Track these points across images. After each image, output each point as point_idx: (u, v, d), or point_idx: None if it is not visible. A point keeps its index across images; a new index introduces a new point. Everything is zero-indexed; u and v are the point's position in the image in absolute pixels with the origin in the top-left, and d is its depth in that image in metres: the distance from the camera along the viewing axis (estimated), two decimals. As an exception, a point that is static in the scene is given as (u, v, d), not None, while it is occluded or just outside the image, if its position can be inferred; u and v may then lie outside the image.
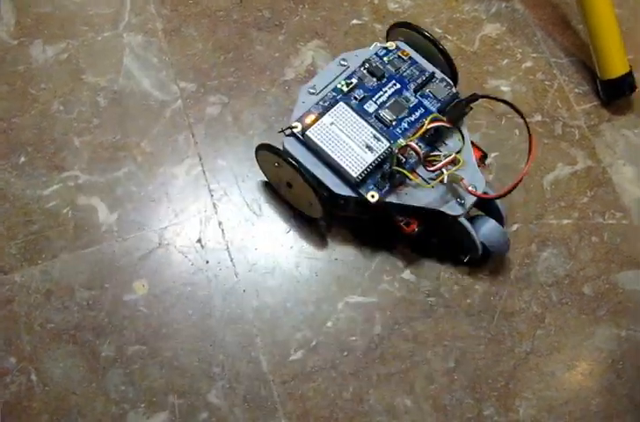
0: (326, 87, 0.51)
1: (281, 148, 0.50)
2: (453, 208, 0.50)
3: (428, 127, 0.49)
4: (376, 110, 0.51)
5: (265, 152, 0.51)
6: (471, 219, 0.53)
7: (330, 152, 0.48)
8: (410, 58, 0.53)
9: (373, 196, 0.49)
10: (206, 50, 0.63)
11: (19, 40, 0.62)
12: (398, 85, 0.52)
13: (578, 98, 0.63)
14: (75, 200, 0.57)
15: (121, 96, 0.61)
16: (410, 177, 0.49)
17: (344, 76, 0.52)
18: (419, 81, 0.52)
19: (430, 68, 0.53)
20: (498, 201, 0.53)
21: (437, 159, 0.50)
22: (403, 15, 0.65)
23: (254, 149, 0.53)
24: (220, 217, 0.57)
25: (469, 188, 0.49)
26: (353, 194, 0.49)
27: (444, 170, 0.49)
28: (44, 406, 0.52)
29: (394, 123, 0.51)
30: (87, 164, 0.58)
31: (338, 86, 0.51)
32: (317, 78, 0.52)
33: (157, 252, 0.56)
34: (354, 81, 0.52)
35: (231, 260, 0.56)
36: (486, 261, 0.57)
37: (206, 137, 0.60)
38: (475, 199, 0.50)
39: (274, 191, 0.58)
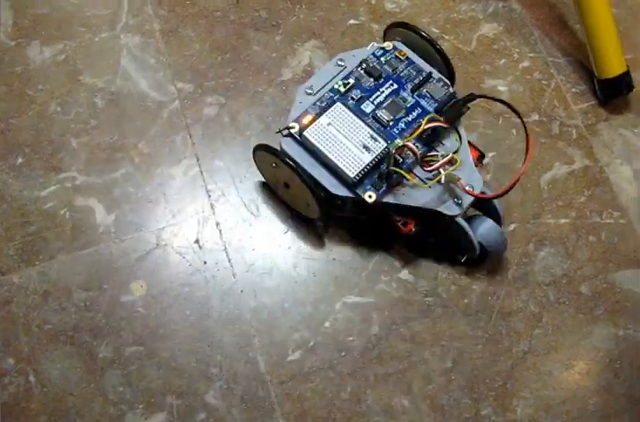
0: (323, 87, 0.51)
1: (279, 148, 0.50)
2: (450, 208, 0.50)
3: (425, 127, 0.49)
4: (373, 110, 0.51)
5: (263, 153, 0.51)
6: (469, 219, 0.53)
7: (327, 152, 0.49)
8: (408, 58, 0.53)
9: (370, 196, 0.49)
10: (203, 51, 0.62)
11: (17, 41, 0.62)
12: (395, 85, 0.52)
13: (575, 97, 0.63)
14: (72, 201, 0.57)
15: (119, 97, 0.61)
16: (408, 177, 0.49)
17: (341, 76, 0.52)
18: (417, 81, 0.52)
19: (427, 68, 0.53)
20: (495, 201, 0.53)
21: (434, 159, 0.50)
22: (400, 15, 0.65)
23: (251, 150, 0.53)
24: (217, 218, 0.57)
25: (467, 188, 0.49)
26: (351, 195, 0.49)
27: (441, 170, 0.49)
28: (42, 407, 0.52)
29: (391, 123, 0.51)
30: (84, 165, 0.58)
31: (336, 86, 0.51)
32: (314, 78, 0.52)
33: (155, 253, 0.56)
34: (351, 81, 0.52)
35: (229, 261, 0.56)
36: (484, 261, 0.57)
37: (203, 138, 0.60)
38: (472, 199, 0.50)
39: (272, 191, 0.58)
